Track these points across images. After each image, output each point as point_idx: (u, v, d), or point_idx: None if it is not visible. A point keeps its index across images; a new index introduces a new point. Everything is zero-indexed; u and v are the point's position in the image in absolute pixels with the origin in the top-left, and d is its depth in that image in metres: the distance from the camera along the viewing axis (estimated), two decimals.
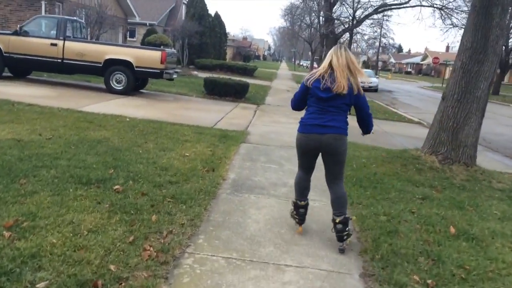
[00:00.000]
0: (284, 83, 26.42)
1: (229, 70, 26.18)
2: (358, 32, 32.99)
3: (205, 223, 3.55)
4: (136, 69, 10.94)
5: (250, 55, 68.58)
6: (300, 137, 3.41)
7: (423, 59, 78.40)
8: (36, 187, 3.72)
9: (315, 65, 42.25)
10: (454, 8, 23.53)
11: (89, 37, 16.51)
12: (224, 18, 42.36)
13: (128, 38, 28.52)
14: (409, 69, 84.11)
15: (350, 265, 3.11)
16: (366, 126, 3.54)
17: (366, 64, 67.30)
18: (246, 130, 8.16)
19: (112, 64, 10.92)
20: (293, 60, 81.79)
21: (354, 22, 27.22)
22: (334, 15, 27.66)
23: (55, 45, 10.83)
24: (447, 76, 48.96)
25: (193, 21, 28.29)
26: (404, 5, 24.97)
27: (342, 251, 3.28)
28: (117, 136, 6.11)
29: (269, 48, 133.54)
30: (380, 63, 70.75)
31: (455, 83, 6.22)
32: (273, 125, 9.21)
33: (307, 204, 3.59)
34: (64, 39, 10.91)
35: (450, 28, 24.25)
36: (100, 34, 17.66)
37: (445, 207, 4.51)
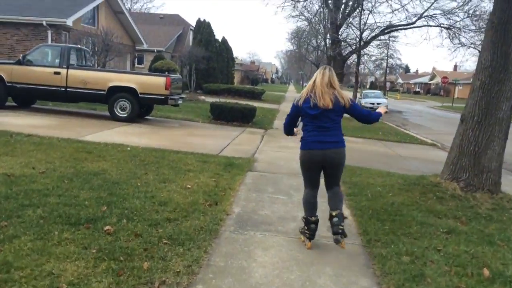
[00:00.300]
0: None
1: (237, 94, 26.09)
2: (366, 53, 32.77)
3: (204, 269, 3.14)
4: (140, 95, 10.71)
5: (258, 78, 68.89)
6: (303, 154, 3.70)
7: (431, 79, 78.02)
8: (17, 231, 3.36)
9: None
10: (461, 27, 23.18)
11: (96, 65, 16.50)
12: (231, 43, 42.68)
13: (136, 65, 28.68)
14: (417, 89, 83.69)
15: None
16: (368, 121, 3.83)
17: (374, 85, 67.09)
18: (253, 157, 7.79)
19: (116, 91, 10.72)
20: (300, 82, 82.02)
21: (361, 43, 27.02)
22: (341, 37, 27.52)
23: (59, 73, 10.68)
24: (456, 95, 48.55)
25: (200, 47, 28.44)
26: (411, 26, 24.72)
27: (337, 241, 3.49)
28: (116, 168, 5.78)
29: (277, 71, 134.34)
30: (388, 84, 70.45)
31: (474, 103, 5.81)
32: (282, 151, 8.83)
33: (317, 220, 3.77)
34: (68, 68, 10.77)
35: (458, 47, 23.83)
36: (106, 61, 17.66)
37: (474, 243, 4.04)
